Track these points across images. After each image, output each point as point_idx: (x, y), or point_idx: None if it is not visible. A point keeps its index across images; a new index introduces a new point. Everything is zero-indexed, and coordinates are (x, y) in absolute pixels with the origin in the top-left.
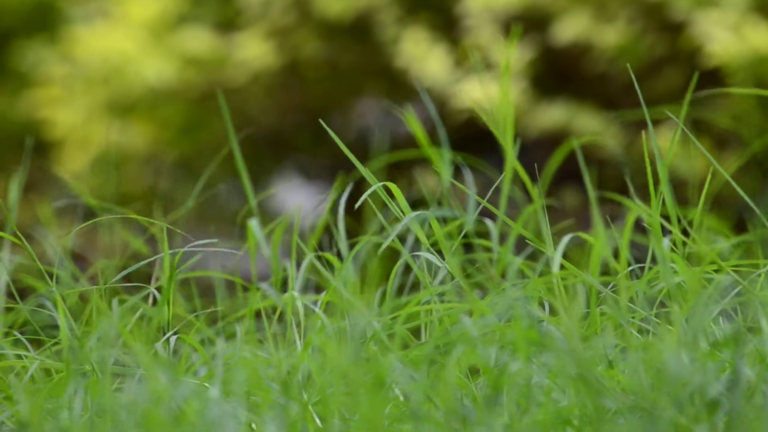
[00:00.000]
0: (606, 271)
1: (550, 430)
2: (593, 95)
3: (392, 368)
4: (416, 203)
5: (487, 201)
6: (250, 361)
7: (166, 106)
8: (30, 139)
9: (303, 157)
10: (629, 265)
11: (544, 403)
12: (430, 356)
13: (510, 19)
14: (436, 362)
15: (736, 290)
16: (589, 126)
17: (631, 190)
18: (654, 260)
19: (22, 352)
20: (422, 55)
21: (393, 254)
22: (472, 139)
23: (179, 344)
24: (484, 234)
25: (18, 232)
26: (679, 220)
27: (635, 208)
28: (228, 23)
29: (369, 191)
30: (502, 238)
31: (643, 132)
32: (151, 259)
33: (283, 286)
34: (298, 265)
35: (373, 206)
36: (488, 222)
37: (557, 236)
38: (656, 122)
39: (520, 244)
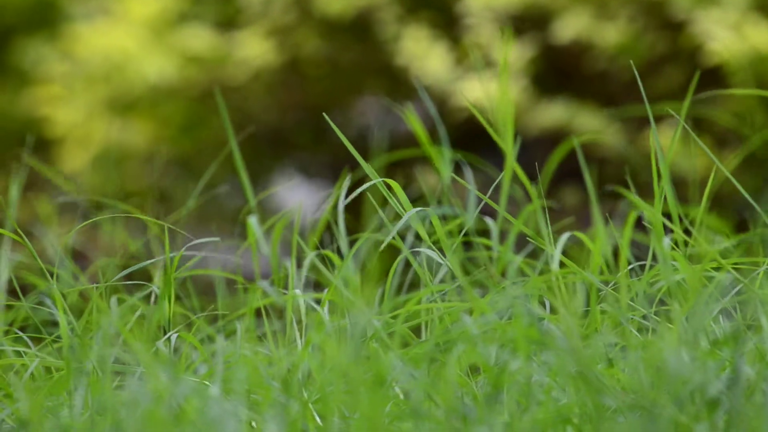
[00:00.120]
0: (606, 269)
1: (550, 428)
2: (594, 94)
3: (392, 366)
4: (416, 201)
5: (488, 199)
6: (251, 359)
7: (167, 104)
8: (30, 137)
9: (303, 155)
10: (629, 263)
11: (545, 401)
12: (431, 354)
13: (510, 18)
14: (437, 360)
15: (736, 289)
16: (590, 124)
17: (632, 188)
18: (654, 258)
19: (23, 349)
20: (423, 54)
21: (393, 252)
22: (472, 137)
23: (179, 342)
24: (484, 232)
25: (19, 230)
26: (680, 219)
27: (638, 203)
28: (228, 21)
29: (367, 185)
30: (502, 236)
31: (645, 130)
32: (153, 260)
33: (284, 284)
34: (299, 263)
35: (374, 203)
36: (488, 220)
37: (557, 234)
38: (657, 121)
39: (521, 243)
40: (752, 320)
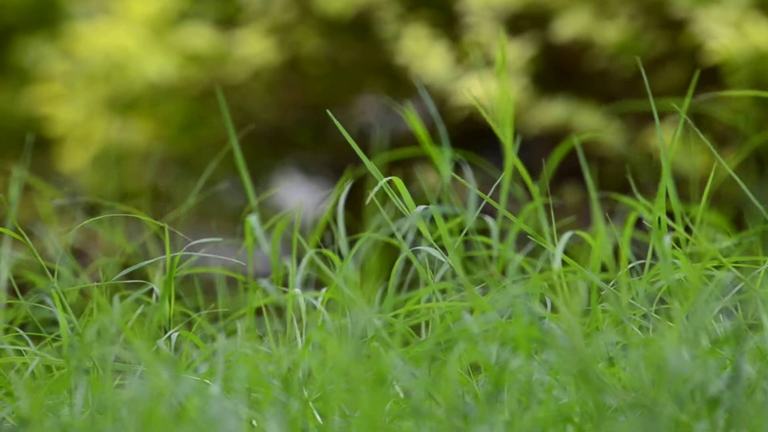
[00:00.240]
0: (607, 267)
1: (551, 427)
2: (594, 92)
3: (393, 365)
4: (416, 200)
5: (488, 198)
6: (251, 357)
7: (167, 103)
8: (31, 136)
9: (303, 154)
10: (630, 261)
11: (545, 400)
12: (431, 353)
13: (510, 17)
14: (437, 359)
15: (737, 287)
16: (590, 123)
17: (633, 186)
18: (655, 257)
19: (23, 348)
20: (423, 53)
21: (394, 250)
22: (472, 136)
23: (180, 341)
24: (485, 231)
25: (19, 228)
26: (681, 217)
27: (638, 207)
28: (229, 20)
29: (376, 188)
30: (503, 235)
31: (645, 129)
32: (155, 260)
33: (285, 283)
34: (299, 261)
35: (376, 202)
36: (488, 219)
37: (558, 233)
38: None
39: (521, 241)
40: (753, 319)
